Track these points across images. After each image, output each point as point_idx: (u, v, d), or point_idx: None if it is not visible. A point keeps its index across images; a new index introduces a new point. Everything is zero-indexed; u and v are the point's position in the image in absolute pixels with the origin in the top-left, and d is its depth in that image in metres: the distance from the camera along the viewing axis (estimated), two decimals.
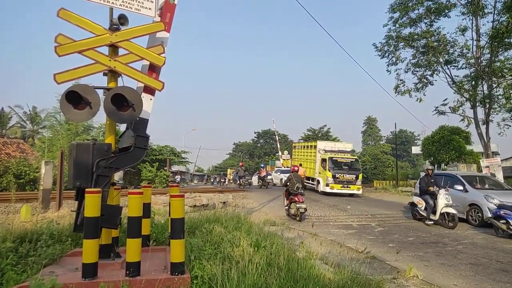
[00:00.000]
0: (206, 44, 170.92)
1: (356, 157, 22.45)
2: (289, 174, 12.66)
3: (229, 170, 50.43)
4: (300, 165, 29.62)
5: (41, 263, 4.35)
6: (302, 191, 11.81)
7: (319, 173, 21.78)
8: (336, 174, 20.34)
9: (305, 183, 14.04)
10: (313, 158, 22.90)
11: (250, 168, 63.52)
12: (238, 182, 27.19)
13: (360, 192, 21.03)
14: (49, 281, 3.61)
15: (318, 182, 21.85)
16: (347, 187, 20.48)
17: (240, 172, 27.78)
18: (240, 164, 31.46)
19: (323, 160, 21.26)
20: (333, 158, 20.97)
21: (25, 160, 21.13)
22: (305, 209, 11.42)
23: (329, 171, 20.45)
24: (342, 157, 21.30)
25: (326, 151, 21.96)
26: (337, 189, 20.21)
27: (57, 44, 4.51)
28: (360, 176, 21.20)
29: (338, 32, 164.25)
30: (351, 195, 20.72)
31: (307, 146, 24.89)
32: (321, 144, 23.15)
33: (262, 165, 36.02)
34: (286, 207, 12.25)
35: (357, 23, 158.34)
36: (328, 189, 20.30)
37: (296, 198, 11.45)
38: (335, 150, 22.37)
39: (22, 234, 5.54)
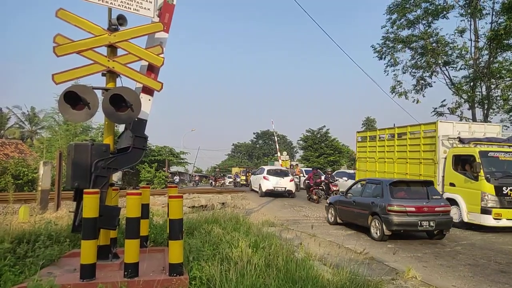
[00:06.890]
0: (204, 44, 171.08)
1: None
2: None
3: (234, 170, 50.48)
4: (296, 165, 29.35)
5: (39, 264, 4.34)
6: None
7: (454, 185, 11.32)
8: (505, 188, 10.11)
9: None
10: (426, 155, 12.59)
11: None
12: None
13: None
14: (47, 282, 3.60)
15: (454, 203, 10.82)
16: None
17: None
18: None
19: (463, 160, 11.25)
20: (491, 155, 10.74)
21: (23, 160, 21.03)
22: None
23: (487, 181, 10.21)
24: (507, 152, 11.01)
25: (464, 142, 11.45)
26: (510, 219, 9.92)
27: (55, 44, 4.50)
28: None
29: (338, 32, 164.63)
30: None
31: (407, 134, 13.67)
32: (447, 128, 12.25)
33: (314, 168, 21.66)
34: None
35: (357, 23, 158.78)
36: (491, 220, 9.90)
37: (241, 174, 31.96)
38: (483, 139, 11.70)
39: (20, 235, 5.54)
